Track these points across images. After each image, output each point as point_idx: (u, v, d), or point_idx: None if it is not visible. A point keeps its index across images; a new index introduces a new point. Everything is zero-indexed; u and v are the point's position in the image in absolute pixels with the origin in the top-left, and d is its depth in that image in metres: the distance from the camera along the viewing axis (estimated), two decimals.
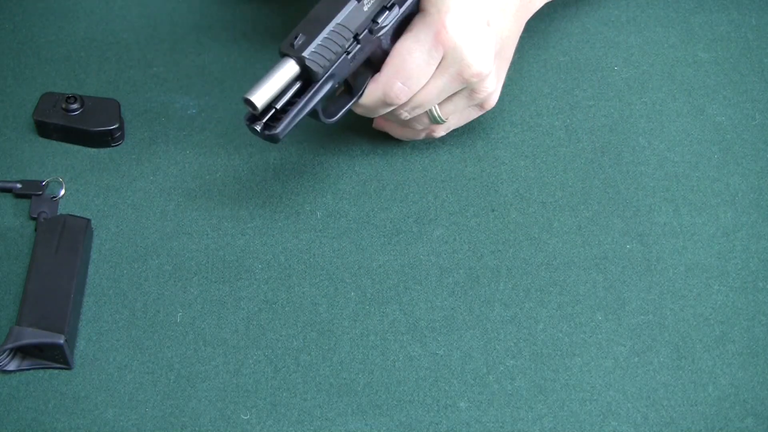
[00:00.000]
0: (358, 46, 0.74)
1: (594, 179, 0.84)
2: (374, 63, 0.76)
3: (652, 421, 0.72)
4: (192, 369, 0.74)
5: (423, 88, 0.76)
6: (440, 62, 0.75)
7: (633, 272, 0.79)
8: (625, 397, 0.73)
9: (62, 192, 0.82)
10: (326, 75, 0.73)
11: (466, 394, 0.73)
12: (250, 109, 0.71)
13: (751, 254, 0.81)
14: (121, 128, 0.85)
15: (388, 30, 0.75)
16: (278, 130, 0.72)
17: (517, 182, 0.84)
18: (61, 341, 0.71)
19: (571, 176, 0.84)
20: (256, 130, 0.72)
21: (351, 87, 0.76)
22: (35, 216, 0.80)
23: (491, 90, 0.78)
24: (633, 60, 0.92)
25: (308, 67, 0.72)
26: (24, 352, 0.73)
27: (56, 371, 0.74)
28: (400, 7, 0.75)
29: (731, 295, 0.78)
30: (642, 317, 0.77)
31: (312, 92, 0.73)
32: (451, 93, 0.77)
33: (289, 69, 0.72)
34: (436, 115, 0.79)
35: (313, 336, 0.76)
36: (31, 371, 0.74)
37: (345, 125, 0.87)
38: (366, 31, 0.74)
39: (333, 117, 0.76)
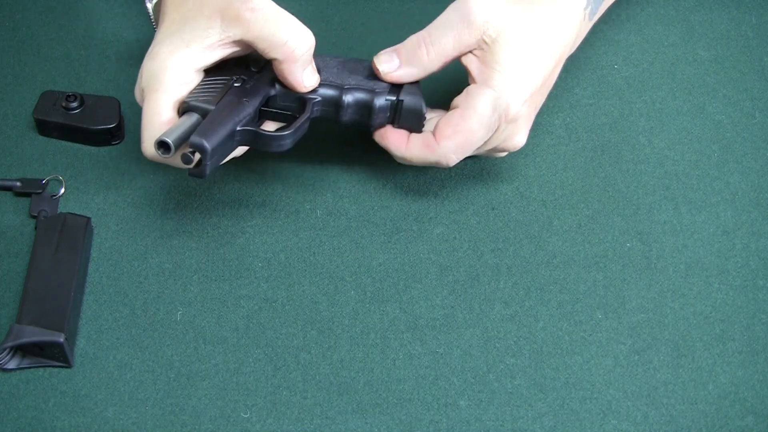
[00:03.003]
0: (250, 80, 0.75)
1: (594, 178, 0.84)
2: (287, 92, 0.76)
3: (652, 420, 0.72)
4: (192, 367, 0.74)
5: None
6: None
7: (633, 271, 0.79)
8: (625, 395, 0.73)
9: (62, 190, 0.82)
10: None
11: (466, 393, 0.73)
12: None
13: (751, 252, 0.81)
14: (121, 126, 0.85)
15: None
16: (204, 141, 0.70)
17: (517, 180, 0.84)
18: (61, 339, 0.71)
19: (571, 175, 0.84)
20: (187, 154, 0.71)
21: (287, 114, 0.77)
22: (35, 214, 0.80)
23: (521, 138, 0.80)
24: (633, 58, 0.92)
25: (194, 107, 0.72)
26: (24, 350, 0.73)
27: (56, 369, 0.74)
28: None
29: (731, 293, 0.78)
30: (642, 315, 0.77)
31: (214, 110, 0.72)
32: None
33: (193, 118, 0.72)
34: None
35: (313, 334, 0.76)
36: (31, 369, 0.74)
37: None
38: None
39: (286, 133, 0.74)
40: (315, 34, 0.93)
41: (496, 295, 0.78)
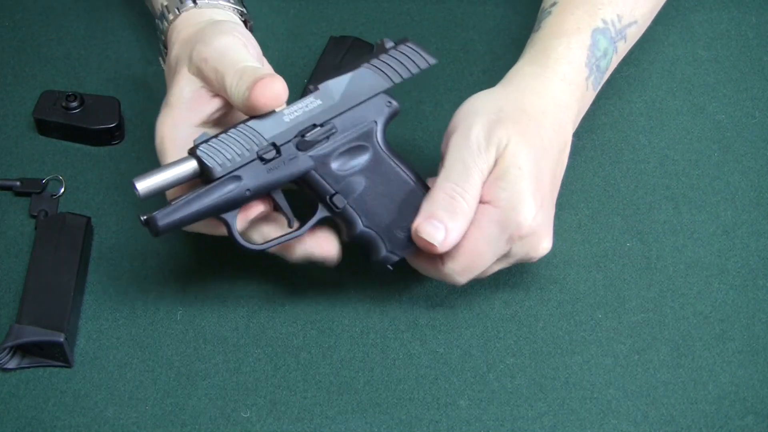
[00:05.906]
0: (279, 156, 0.69)
1: (594, 177, 0.84)
2: (312, 187, 0.71)
3: (652, 419, 0.72)
4: (192, 367, 0.74)
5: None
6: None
7: (633, 270, 0.79)
8: (625, 395, 0.73)
9: (62, 190, 0.82)
10: (226, 174, 0.67)
11: (466, 392, 0.73)
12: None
13: (751, 252, 0.80)
14: (121, 126, 0.85)
15: (326, 153, 0.70)
16: (157, 217, 0.67)
17: None
18: (61, 339, 0.72)
19: (571, 174, 0.84)
20: (139, 217, 0.68)
21: (286, 216, 0.72)
22: (35, 214, 0.80)
23: (545, 245, 0.74)
24: (633, 58, 0.92)
25: (200, 159, 0.67)
26: (24, 350, 0.73)
27: (56, 369, 0.74)
28: (340, 133, 0.70)
29: (731, 293, 0.78)
30: (642, 315, 0.77)
31: (207, 188, 0.67)
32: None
33: (186, 164, 0.68)
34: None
35: (313, 334, 0.76)
36: (31, 369, 0.74)
37: None
38: (290, 143, 0.69)
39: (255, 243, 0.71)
40: (315, 34, 0.93)
41: (495, 294, 0.78)
